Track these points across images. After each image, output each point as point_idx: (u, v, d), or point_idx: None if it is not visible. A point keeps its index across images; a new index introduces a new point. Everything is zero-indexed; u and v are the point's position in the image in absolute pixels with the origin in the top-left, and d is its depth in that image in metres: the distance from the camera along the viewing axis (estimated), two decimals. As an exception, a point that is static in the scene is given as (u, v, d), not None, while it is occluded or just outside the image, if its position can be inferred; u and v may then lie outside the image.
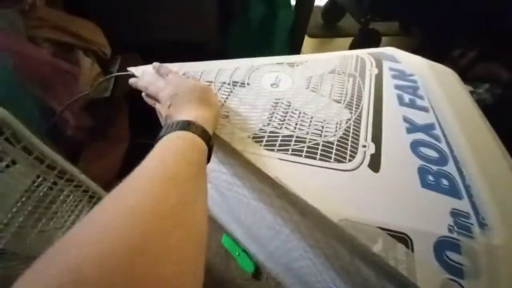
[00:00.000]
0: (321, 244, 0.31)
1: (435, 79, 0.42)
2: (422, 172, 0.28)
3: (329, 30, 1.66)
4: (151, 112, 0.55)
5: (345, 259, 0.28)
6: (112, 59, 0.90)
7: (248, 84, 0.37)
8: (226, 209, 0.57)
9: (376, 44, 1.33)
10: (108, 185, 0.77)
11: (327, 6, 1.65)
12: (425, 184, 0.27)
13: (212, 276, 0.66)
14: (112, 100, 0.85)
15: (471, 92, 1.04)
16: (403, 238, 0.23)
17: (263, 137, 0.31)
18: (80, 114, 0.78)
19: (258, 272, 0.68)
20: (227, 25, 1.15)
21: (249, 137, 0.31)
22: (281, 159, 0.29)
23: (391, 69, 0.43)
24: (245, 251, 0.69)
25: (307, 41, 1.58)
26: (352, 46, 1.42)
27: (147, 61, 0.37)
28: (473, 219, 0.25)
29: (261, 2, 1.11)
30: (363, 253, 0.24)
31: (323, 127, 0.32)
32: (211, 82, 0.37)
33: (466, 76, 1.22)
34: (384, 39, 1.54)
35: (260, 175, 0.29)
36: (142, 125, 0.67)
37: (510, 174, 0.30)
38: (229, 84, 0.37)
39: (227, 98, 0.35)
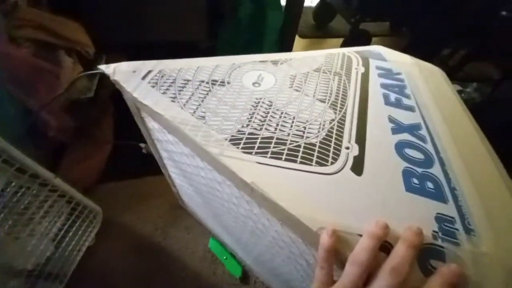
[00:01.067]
0: (303, 252, 0.30)
1: (422, 78, 0.41)
2: (407, 175, 0.27)
3: (321, 30, 1.66)
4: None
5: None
6: (97, 58, 0.87)
7: (228, 82, 0.36)
8: (209, 213, 0.55)
9: (366, 44, 1.33)
10: (90, 189, 0.74)
11: (318, 7, 1.64)
12: (409, 187, 0.26)
13: (199, 281, 0.64)
14: (96, 101, 0.83)
15: (460, 91, 1.05)
16: (385, 246, 0.22)
17: (241, 139, 0.29)
18: (61, 115, 0.75)
19: (245, 276, 0.66)
20: (216, 25, 1.13)
21: (226, 139, 0.29)
22: (259, 163, 0.27)
23: (377, 67, 0.42)
24: (232, 255, 0.67)
25: (299, 42, 1.58)
26: (343, 47, 1.42)
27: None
28: (458, 225, 0.24)
29: (250, 2, 1.10)
30: (344, 263, 0.23)
31: (305, 128, 0.31)
32: (188, 80, 0.35)
33: (455, 75, 1.23)
34: (374, 39, 1.55)
35: (237, 181, 0.27)
36: (128, 126, 0.64)
37: (497, 176, 0.29)
38: (207, 83, 0.35)
39: (204, 97, 0.33)
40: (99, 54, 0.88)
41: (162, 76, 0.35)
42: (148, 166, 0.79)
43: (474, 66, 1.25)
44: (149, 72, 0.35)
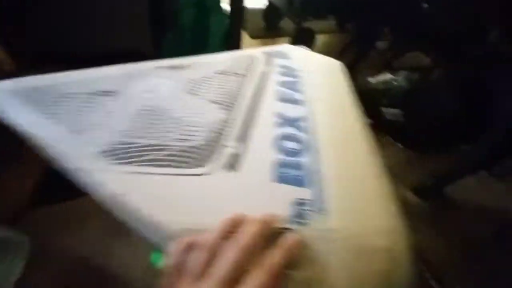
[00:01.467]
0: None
1: (320, 72, 0.43)
2: (277, 166, 0.28)
3: (271, 31, 1.70)
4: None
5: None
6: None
7: (116, 93, 0.35)
8: None
9: (310, 42, 1.39)
10: (21, 215, 0.69)
11: (266, 8, 1.69)
12: (275, 177, 0.27)
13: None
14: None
15: (392, 79, 1.12)
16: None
17: (116, 149, 0.28)
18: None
19: None
20: (159, 32, 1.11)
21: (100, 152, 0.28)
22: (133, 172, 0.27)
23: (280, 66, 0.44)
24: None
25: (250, 43, 1.60)
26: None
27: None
28: (312, 206, 0.25)
29: (192, 8, 1.09)
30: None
31: (190, 131, 0.31)
32: (71, 93, 0.34)
33: (392, 65, 1.33)
34: (321, 36, 1.62)
35: (109, 195, 0.26)
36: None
37: (367, 161, 0.31)
38: (94, 94, 0.34)
39: (87, 111, 0.32)
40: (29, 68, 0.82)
41: (37, 91, 0.33)
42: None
43: (408, 56, 1.36)
44: (26, 87, 0.34)
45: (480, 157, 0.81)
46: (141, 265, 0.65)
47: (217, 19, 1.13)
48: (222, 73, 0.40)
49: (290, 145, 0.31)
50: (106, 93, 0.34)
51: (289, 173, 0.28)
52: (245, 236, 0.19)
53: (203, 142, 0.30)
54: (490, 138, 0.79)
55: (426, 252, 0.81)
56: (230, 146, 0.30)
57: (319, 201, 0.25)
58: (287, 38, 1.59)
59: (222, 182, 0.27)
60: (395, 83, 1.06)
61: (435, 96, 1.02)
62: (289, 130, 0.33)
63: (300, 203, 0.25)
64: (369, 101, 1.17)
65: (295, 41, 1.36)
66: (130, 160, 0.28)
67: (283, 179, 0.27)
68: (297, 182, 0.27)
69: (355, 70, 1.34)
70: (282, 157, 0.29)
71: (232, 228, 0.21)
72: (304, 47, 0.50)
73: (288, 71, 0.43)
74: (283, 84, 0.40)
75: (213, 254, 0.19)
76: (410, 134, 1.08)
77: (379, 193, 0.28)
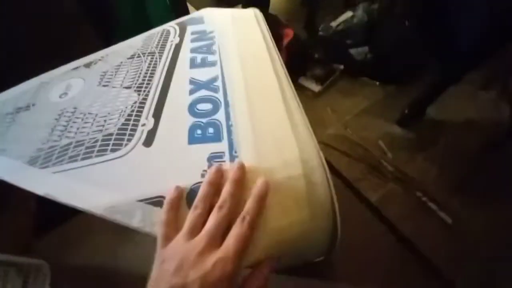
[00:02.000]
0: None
1: (233, 28, 0.42)
2: (192, 129, 0.29)
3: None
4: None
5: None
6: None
7: (33, 105, 0.35)
8: None
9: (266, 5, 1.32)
10: (30, 247, 0.73)
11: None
12: (192, 140, 0.28)
13: None
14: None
15: (352, 17, 1.07)
16: (159, 201, 0.24)
17: (38, 157, 0.29)
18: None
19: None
20: (108, 32, 1.06)
21: (24, 163, 0.29)
22: (55, 172, 0.28)
23: (193, 33, 0.43)
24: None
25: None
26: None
27: None
28: (226, 157, 0.26)
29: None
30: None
31: (105, 121, 0.32)
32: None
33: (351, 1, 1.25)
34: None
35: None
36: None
37: (280, 108, 0.30)
38: (11, 113, 0.35)
39: (6, 130, 0.33)
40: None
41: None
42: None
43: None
44: None
45: (449, 73, 0.79)
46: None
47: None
48: (133, 56, 0.40)
49: (203, 107, 0.31)
50: (23, 108, 0.35)
51: (204, 133, 0.28)
52: (225, 196, 0.22)
53: (119, 126, 0.31)
54: (455, 55, 0.76)
55: (420, 178, 0.82)
56: (146, 124, 0.30)
57: (232, 150, 0.26)
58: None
59: (141, 158, 0.28)
60: (355, 20, 1.01)
61: (395, 24, 0.97)
62: (203, 93, 0.33)
63: (216, 156, 0.26)
64: (336, 46, 1.13)
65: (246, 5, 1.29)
66: (53, 162, 0.29)
67: (199, 140, 0.28)
68: (212, 139, 0.28)
69: (317, 17, 1.28)
70: (196, 120, 0.30)
71: (212, 185, 0.23)
72: (257, 9, 0.46)
73: (200, 36, 0.42)
74: (196, 50, 0.39)
75: (202, 210, 0.22)
76: (381, 69, 1.05)
77: (292, 130, 0.28)
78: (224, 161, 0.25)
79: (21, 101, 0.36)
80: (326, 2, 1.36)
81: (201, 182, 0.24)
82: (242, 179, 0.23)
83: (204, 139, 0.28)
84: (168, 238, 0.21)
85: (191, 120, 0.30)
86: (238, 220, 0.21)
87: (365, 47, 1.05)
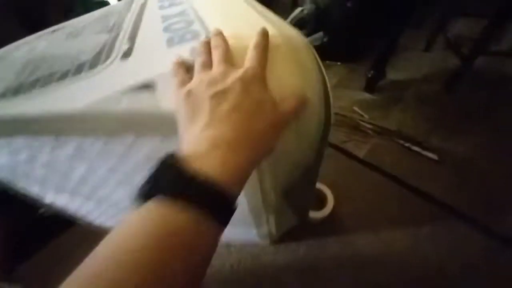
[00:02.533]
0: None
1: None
2: (170, 39, 0.29)
3: None
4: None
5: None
6: None
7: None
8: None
9: None
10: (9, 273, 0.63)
11: None
12: (170, 44, 0.28)
13: None
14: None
15: (302, 10, 1.18)
16: (148, 86, 0.23)
17: (9, 91, 0.28)
18: None
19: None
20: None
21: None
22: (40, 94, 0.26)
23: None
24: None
25: None
26: None
27: None
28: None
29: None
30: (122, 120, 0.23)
31: (78, 55, 0.31)
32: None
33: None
34: None
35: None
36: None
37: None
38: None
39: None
40: None
41: None
42: (58, 224, 0.71)
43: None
44: None
45: (392, 33, 0.90)
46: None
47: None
48: (101, 16, 0.40)
49: (178, 26, 0.32)
50: None
51: (182, 38, 0.28)
52: (216, 39, 0.23)
53: (94, 54, 0.30)
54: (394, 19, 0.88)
55: (400, 129, 0.87)
56: (121, 46, 0.30)
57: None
58: None
59: (122, 67, 0.27)
60: (305, 11, 1.12)
61: (339, 6, 1.10)
62: (175, 20, 0.33)
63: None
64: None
65: None
66: (24, 90, 0.27)
67: (178, 42, 0.28)
68: (191, 39, 0.28)
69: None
70: (172, 34, 0.30)
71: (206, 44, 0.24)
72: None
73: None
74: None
75: (206, 53, 0.23)
76: (339, 50, 1.16)
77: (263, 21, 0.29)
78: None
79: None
80: (275, 6, 1.50)
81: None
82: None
83: (182, 41, 0.28)
84: (182, 81, 0.21)
85: (167, 35, 0.30)
86: (251, 47, 0.22)
87: (320, 32, 1.16)
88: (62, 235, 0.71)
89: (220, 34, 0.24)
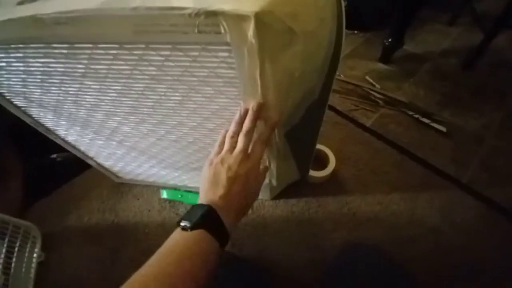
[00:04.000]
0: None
1: None
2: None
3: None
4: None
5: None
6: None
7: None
8: (139, 151, 0.53)
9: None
10: (23, 213, 0.68)
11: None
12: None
13: (164, 228, 0.63)
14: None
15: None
16: None
17: None
18: None
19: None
20: None
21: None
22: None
23: None
24: (186, 190, 0.67)
25: None
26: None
27: None
28: None
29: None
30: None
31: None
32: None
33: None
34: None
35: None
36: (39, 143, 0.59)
37: None
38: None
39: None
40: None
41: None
42: (69, 170, 0.74)
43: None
44: None
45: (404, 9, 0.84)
46: (155, 206, 0.67)
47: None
48: None
49: None
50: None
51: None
52: (247, 125, 0.32)
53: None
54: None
55: (409, 101, 0.85)
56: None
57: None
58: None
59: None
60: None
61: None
62: None
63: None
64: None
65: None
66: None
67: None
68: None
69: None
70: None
71: (239, 124, 0.32)
72: None
73: None
74: None
75: (234, 140, 0.32)
76: (357, 19, 1.10)
77: None
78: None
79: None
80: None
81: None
82: (257, 117, 0.32)
83: None
84: (220, 150, 0.33)
85: None
86: (257, 139, 0.33)
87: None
88: (73, 179, 0.74)
89: (254, 117, 0.31)
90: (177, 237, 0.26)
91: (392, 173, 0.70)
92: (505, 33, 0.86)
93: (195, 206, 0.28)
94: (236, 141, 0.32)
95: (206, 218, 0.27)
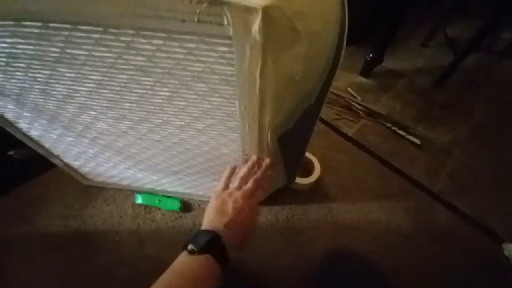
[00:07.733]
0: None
1: None
2: None
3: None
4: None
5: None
6: None
7: None
8: (114, 151, 0.49)
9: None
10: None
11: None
12: None
13: (140, 235, 0.58)
14: None
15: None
16: None
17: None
18: None
19: (186, 205, 0.63)
20: None
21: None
22: None
23: None
24: (165, 195, 0.63)
25: None
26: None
27: None
28: None
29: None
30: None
31: None
32: None
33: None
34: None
35: None
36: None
37: None
38: None
39: None
40: None
41: None
42: (30, 168, 0.66)
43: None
44: None
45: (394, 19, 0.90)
46: (127, 212, 0.61)
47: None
48: None
49: None
50: None
51: None
52: (258, 174, 0.40)
53: None
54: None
55: (387, 113, 0.89)
56: None
57: None
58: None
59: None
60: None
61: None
62: None
63: None
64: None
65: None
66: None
67: None
68: None
69: None
70: None
71: (250, 168, 0.40)
72: None
73: None
74: None
75: (243, 180, 0.38)
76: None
77: None
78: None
79: None
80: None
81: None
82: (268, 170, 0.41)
83: None
84: (226, 186, 0.39)
85: None
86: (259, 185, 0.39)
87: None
88: (34, 179, 0.66)
89: (265, 169, 0.40)
90: (184, 260, 0.29)
91: (371, 181, 0.72)
92: (473, 55, 0.95)
93: (201, 232, 0.31)
94: (244, 182, 0.38)
95: (212, 243, 0.30)
